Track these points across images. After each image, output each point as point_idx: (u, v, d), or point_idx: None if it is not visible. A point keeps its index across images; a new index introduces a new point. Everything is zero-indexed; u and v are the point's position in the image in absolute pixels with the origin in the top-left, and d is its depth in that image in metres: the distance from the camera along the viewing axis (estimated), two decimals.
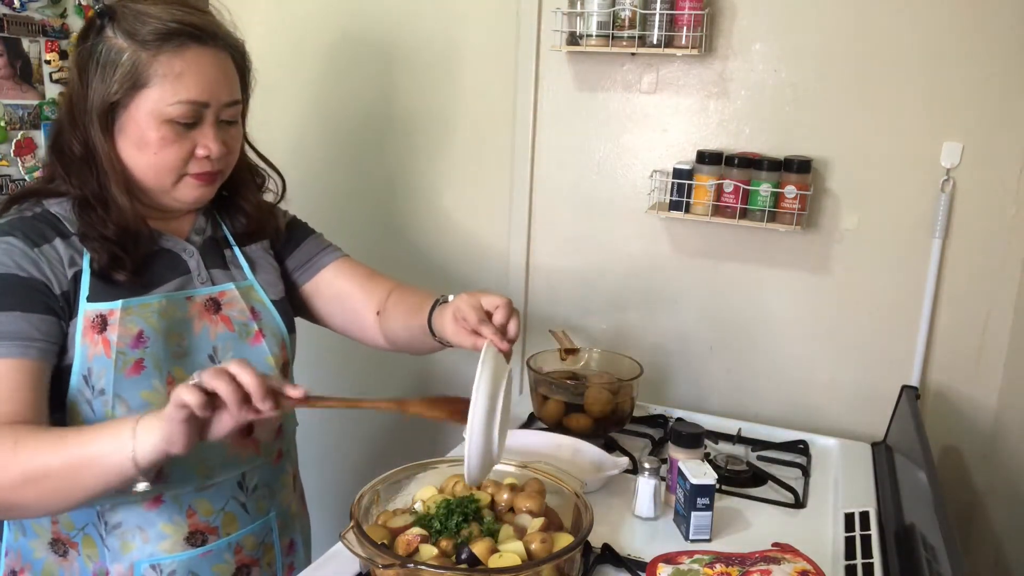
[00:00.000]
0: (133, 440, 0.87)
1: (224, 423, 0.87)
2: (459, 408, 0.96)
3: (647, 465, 1.23)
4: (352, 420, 2.13)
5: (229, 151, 1.09)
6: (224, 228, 1.20)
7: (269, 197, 1.26)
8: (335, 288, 1.27)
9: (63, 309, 1.00)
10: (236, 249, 1.19)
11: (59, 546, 1.08)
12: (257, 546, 1.16)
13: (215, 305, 1.12)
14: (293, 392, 0.89)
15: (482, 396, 0.93)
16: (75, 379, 1.01)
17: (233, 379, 0.85)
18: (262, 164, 1.23)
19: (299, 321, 1.29)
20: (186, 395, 0.83)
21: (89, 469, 0.89)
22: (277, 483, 1.20)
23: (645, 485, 1.22)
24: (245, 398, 0.86)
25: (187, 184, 1.07)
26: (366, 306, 1.26)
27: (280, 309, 1.19)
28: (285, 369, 1.18)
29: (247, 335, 1.13)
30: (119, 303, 1.02)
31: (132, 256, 1.04)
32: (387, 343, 1.27)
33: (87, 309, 1.01)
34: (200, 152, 1.05)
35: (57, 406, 1.01)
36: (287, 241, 1.28)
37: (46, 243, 1.01)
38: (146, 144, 1.02)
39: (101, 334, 1.01)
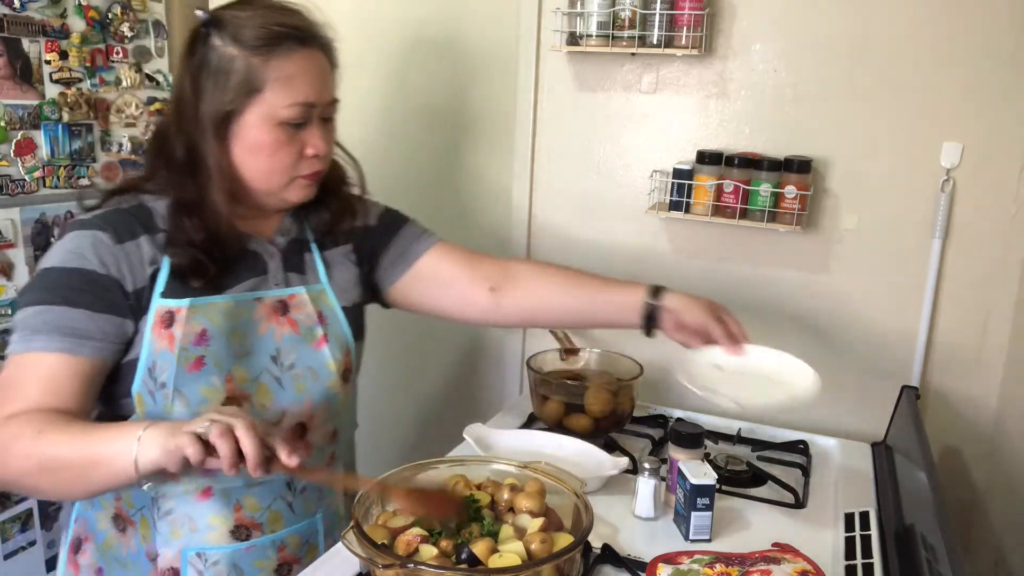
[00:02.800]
0: (137, 448, 0.89)
1: (215, 466, 0.90)
2: (441, 510, 0.99)
3: (647, 465, 1.23)
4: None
5: (330, 149, 1.13)
6: (307, 229, 1.21)
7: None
8: (437, 272, 1.28)
9: (132, 307, 1.03)
10: (316, 252, 1.20)
11: (120, 522, 1.11)
12: (301, 545, 1.17)
13: (283, 307, 1.14)
14: (287, 460, 0.90)
15: None
16: (141, 371, 1.04)
17: (236, 441, 0.88)
18: (342, 155, 1.24)
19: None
20: (188, 447, 0.86)
21: (97, 468, 0.92)
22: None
23: (645, 485, 1.22)
24: (242, 457, 0.88)
25: (296, 186, 1.11)
26: (475, 284, 1.28)
27: (349, 316, 1.20)
28: (346, 375, 1.19)
29: (311, 339, 1.15)
30: (187, 301, 1.05)
31: (215, 262, 1.07)
32: (502, 318, 1.30)
33: (159, 304, 1.04)
34: (309, 151, 1.09)
35: (124, 395, 1.05)
36: (382, 235, 1.29)
37: (132, 239, 1.04)
38: (260, 148, 1.06)
39: (168, 329, 1.04)
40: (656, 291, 1.26)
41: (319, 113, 1.09)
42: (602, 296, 1.27)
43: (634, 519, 1.23)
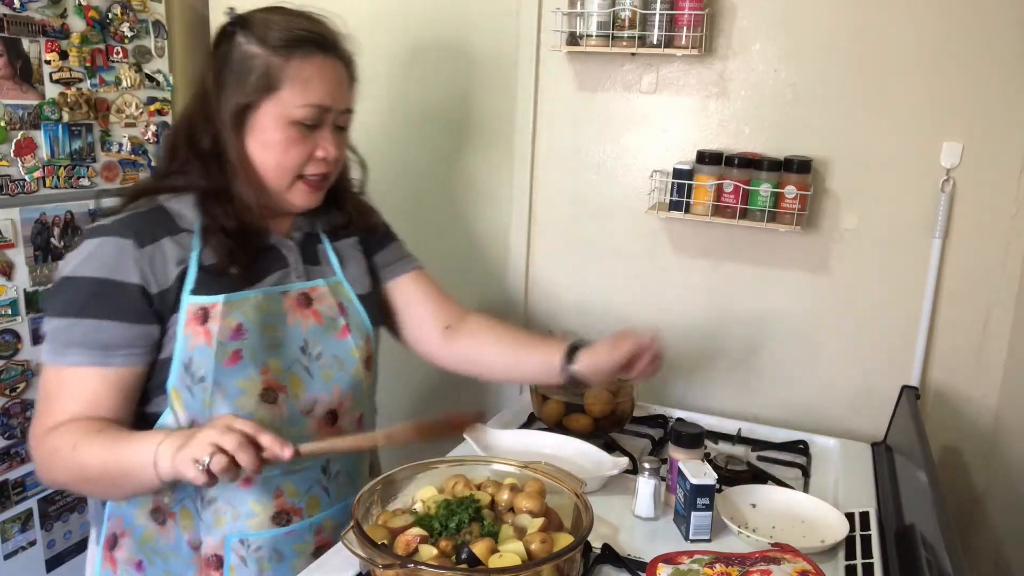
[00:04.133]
0: (155, 461, 0.96)
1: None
2: (452, 429, 1.06)
3: (647, 465, 1.23)
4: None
5: (340, 155, 1.17)
6: (319, 224, 1.25)
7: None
8: (407, 296, 1.33)
9: (156, 311, 1.05)
10: (327, 244, 1.25)
11: (159, 515, 1.14)
12: (335, 528, 1.20)
13: (306, 299, 1.18)
14: (283, 455, 0.96)
15: None
16: (175, 368, 1.07)
17: (234, 459, 0.93)
18: (353, 158, 1.28)
19: None
20: (189, 473, 0.92)
21: (126, 478, 0.99)
22: (356, 470, 1.26)
23: (645, 485, 1.22)
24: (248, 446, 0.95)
25: (299, 189, 1.15)
26: (435, 319, 1.32)
27: (365, 304, 1.24)
28: (368, 362, 1.23)
29: (334, 329, 1.19)
30: (222, 297, 1.08)
31: (247, 251, 1.11)
32: (449, 360, 1.33)
33: (190, 302, 1.07)
34: (319, 154, 1.13)
35: (158, 393, 1.08)
36: (379, 240, 1.33)
37: (153, 242, 1.06)
38: (272, 144, 1.10)
39: (203, 325, 1.07)
40: (572, 351, 1.23)
41: (333, 119, 1.13)
42: (523, 353, 1.29)
43: (634, 519, 1.23)
